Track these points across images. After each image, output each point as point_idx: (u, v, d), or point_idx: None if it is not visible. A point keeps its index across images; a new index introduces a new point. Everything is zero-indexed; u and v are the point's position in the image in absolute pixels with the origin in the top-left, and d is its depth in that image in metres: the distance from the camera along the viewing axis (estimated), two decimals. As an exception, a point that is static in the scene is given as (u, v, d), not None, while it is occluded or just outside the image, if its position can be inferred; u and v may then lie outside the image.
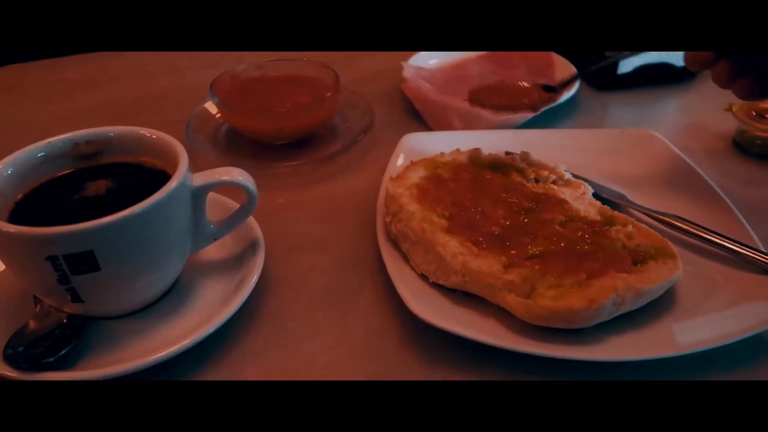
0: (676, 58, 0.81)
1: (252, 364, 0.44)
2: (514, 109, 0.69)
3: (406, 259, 0.49)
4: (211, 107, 0.73)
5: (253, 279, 0.46)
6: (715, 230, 0.50)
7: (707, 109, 0.77)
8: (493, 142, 0.63)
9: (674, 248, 0.47)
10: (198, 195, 0.45)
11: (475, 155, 0.58)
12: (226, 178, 0.46)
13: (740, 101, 0.70)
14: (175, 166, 0.44)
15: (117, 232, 0.39)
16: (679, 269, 0.45)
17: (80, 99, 0.82)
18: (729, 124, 0.71)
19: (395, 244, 0.50)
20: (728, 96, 0.73)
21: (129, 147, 0.48)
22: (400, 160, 0.60)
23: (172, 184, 0.41)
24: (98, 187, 0.45)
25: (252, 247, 0.50)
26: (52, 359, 0.40)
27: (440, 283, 0.46)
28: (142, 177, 0.46)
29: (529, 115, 0.70)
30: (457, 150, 0.59)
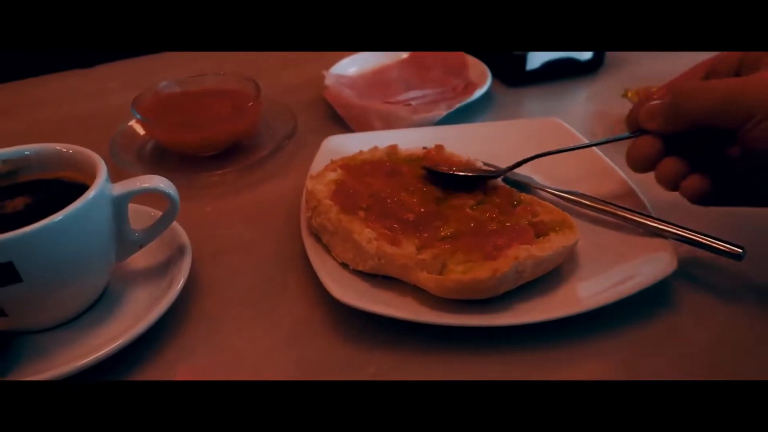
0: (579, 53, 0.87)
1: (183, 362, 0.45)
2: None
3: (328, 250, 0.51)
4: (135, 125, 0.74)
5: (181, 281, 0.48)
6: (613, 202, 0.55)
7: (609, 97, 0.82)
8: (411, 139, 0.65)
9: (573, 220, 0.51)
10: (119, 203, 0.47)
11: (392, 151, 0.61)
12: (146, 185, 0.48)
13: (635, 86, 0.77)
14: (94, 178, 0.45)
15: (36, 243, 0.40)
16: (576, 237, 0.49)
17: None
18: (628, 109, 0.76)
19: (318, 237, 0.52)
20: (627, 83, 0.79)
21: (47, 163, 0.49)
22: (322, 162, 0.63)
23: (89, 194, 0.43)
24: (16, 204, 0.46)
25: (179, 252, 0.51)
26: (-23, 373, 0.40)
27: (359, 269, 0.49)
28: (61, 191, 0.47)
29: (444, 113, 0.74)
30: (375, 147, 0.62)
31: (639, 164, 0.48)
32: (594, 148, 0.64)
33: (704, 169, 0.45)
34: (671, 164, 0.46)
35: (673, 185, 0.47)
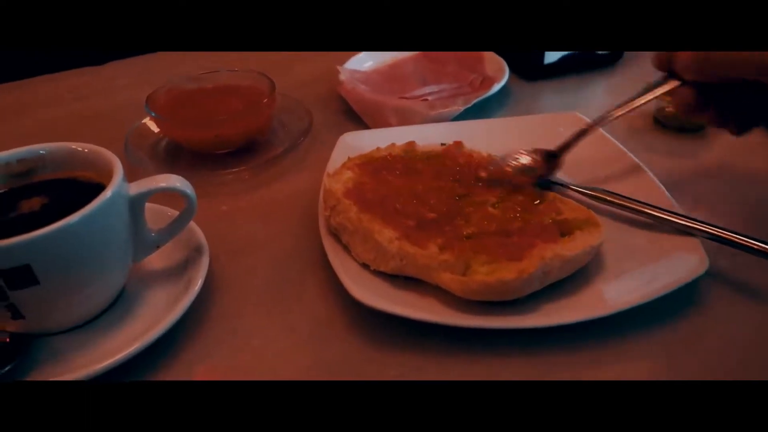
0: (597, 45, 0.85)
1: (201, 363, 0.44)
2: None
3: (348, 250, 0.50)
4: (149, 123, 0.73)
5: (199, 282, 0.47)
6: (638, 199, 0.53)
7: (628, 91, 0.80)
8: (428, 135, 0.65)
9: (598, 218, 0.50)
10: (136, 203, 0.46)
11: (409, 148, 0.60)
12: (163, 184, 0.47)
13: (652, 79, 0.75)
14: (110, 177, 0.44)
15: (53, 244, 0.39)
16: (602, 236, 0.47)
17: (12, 124, 0.81)
18: (649, 103, 0.75)
19: (337, 237, 0.51)
20: (647, 77, 0.77)
21: (62, 163, 0.48)
22: (339, 158, 0.62)
23: (106, 194, 0.42)
24: (33, 204, 0.45)
25: (196, 252, 0.50)
26: (-5, 377, 0.39)
27: (380, 269, 0.48)
28: (77, 191, 0.46)
29: (462, 108, 0.73)
30: (392, 144, 0.61)
31: (683, 112, 0.53)
32: (617, 144, 0.63)
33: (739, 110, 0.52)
34: (712, 114, 0.52)
35: (717, 126, 0.53)
